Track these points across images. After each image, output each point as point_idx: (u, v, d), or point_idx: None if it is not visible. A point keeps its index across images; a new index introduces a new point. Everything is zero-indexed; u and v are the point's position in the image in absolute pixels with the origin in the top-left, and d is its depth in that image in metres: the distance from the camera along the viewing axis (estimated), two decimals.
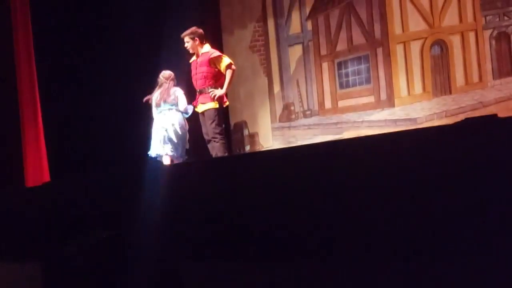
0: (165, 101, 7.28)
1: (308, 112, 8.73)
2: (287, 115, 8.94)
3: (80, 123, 8.40)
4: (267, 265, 3.61)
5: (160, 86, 7.35)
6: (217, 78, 6.81)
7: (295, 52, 8.88)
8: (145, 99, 7.42)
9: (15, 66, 7.87)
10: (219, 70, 6.79)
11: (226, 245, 3.78)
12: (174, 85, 7.38)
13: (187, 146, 7.40)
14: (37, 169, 7.94)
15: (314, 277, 3.44)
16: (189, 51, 6.98)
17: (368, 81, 8.13)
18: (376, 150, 4.04)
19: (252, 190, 3.99)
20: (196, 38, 6.87)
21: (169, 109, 7.30)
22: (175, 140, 7.23)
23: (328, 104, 8.53)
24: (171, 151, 7.23)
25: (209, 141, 6.82)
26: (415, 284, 3.10)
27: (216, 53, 6.87)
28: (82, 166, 8.07)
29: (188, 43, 6.90)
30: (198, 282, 3.93)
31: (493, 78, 7.07)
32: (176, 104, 7.30)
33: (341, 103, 8.43)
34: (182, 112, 7.32)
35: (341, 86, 8.42)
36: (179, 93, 7.32)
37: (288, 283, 3.53)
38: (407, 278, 3.13)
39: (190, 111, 7.28)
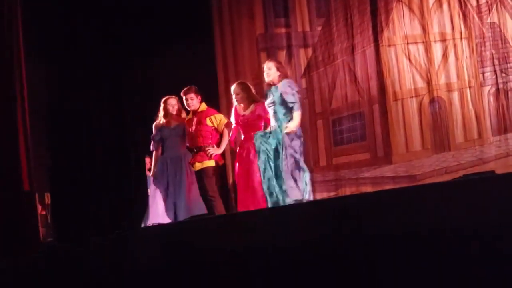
0: None
1: None
2: None
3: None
4: None
5: None
6: (213, 136, 6.97)
7: None
8: None
9: None
10: (216, 128, 6.94)
11: None
12: None
13: None
14: None
15: None
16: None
17: (363, 138, 8.06)
18: (378, 207, 3.99)
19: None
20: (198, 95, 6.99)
21: None
22: None
23: (323, 161, 8.44)
24: None
25: (206, 198, 6.81)
26: None
27: (214, 111, 7.08)
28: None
29: (193, 100, 6.95)
30: None
31: (492, 135, 7.03)
32: None
33: (336, 160, 8.34)
34: None
35: (336, 143, 8.35)
36: None
37: None
38: None
39: None
